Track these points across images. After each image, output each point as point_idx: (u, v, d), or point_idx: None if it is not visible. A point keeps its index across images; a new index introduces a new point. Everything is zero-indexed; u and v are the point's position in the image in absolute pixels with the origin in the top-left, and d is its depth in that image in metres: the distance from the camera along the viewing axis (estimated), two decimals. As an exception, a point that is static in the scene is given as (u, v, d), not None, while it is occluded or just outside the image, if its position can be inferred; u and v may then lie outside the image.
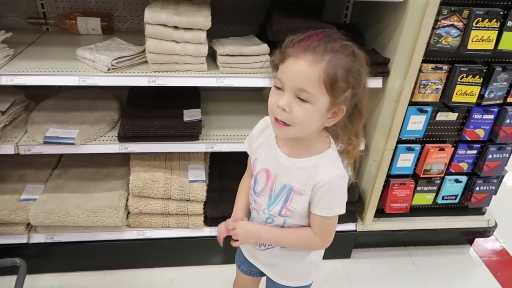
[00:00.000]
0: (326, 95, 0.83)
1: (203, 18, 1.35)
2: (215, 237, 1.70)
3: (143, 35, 1.39)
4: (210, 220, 1.69)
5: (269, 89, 0.93)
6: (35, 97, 1.68)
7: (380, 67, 1.53)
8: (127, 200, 1.64)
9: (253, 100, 1.93)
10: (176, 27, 1.35)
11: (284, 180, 0.96)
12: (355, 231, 1.83)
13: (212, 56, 1.49)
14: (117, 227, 1.62)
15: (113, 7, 1.76)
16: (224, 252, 1.80)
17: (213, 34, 1.48)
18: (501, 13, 1.37)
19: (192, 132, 1.54)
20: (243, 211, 1.11)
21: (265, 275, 1.21)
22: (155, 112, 1.59)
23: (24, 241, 1.60)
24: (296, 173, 0.94)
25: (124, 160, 1.76)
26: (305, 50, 0.81)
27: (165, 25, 1.34)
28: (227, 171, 1.84)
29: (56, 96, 1.72)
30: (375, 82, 1.53)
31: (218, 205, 1.68)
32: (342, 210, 0.95)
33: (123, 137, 1.50)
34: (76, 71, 1.37)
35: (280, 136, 0.97)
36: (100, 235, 1.64)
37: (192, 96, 1.75)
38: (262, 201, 1.01)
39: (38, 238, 1.61)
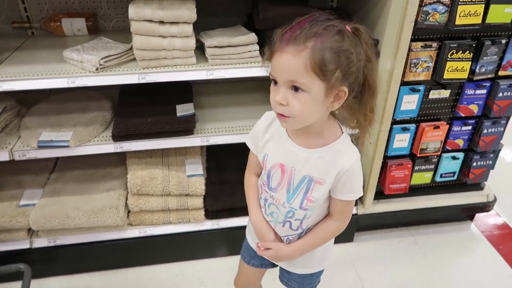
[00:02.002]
0: (319, 81, 0.82)
1: (188, 11, 1.34)
2: (217, 230, 1.74)
3: (130, 33, 1.38)
4: (211, 213, 1.70)
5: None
6: (26, 102, 1.67)
7: (370, 48, 1.52)
8: (126, 199, 1.64)
9: (245, 90, 1.93)
10: (161, 22, 1.34)
11: (303, 172, 0.95)
12: (356, 214, 1.83)
13: (200, 49, 1.48)
14: (119, 226, 1.63)
15: (97, 6, 1.74)
16: (227, 244, 1.81)
17: (200, 27, 1.47)
18: (488, -15, 1.36)
19: (186, 126, 1.53)
20: (264, 220, 1.08)
21: (276, 265, 1.21)
22: (147, 109, 1.58)
23: (27, 246, 1.61)
24: (315, 163, 0.94)
25: (120, 159, 1.77)
26: (287, 42, 0.81)
27: (150, 21, 1.33)
28: (224, 163, 1.84)
29: (47, 99, 1.71)
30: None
31: (218, 198, 1.69)
32: (362, 192, 0.98)
33: (117, 136, 1.50)
34: (65, 73, 1.36)
35: (287, 128, 0.95)
36: (102, 235, 1.64)
37: (183, 90, 1.74)
38: (280, 196, 1.00)
39: (40, 242, 1.61)
